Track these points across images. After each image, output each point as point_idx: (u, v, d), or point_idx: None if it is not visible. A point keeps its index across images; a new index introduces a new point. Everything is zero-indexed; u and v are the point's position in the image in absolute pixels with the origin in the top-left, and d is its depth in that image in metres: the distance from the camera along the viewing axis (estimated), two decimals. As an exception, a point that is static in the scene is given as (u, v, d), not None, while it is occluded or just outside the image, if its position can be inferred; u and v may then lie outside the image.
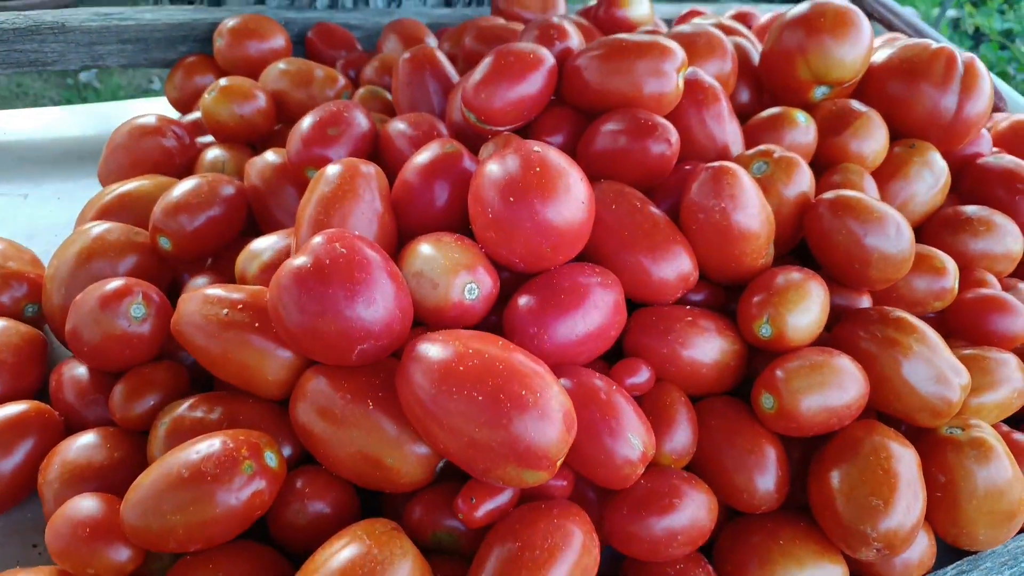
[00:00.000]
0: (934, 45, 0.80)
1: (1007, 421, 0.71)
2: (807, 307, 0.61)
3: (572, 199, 0.57)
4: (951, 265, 0.69)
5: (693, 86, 0.71)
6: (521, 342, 0.57)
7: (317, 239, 0.53)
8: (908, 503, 0.55)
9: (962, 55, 0.79)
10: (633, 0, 1.01)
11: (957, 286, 0.70)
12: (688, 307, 0.64)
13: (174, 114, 1.05)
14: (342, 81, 0.90)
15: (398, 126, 0.72)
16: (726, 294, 0.68)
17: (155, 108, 1.06)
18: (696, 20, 0.98)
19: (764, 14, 1.21)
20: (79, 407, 0.62)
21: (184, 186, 0.70)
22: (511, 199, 0.56)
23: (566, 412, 0.49)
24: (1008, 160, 0.83)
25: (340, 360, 0.53)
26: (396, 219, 0.64)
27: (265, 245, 0.65)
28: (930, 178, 0.78)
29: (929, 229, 0.79)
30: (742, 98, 0.86)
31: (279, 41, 1.00)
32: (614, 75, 0.68)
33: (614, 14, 1.00)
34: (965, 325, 0.72)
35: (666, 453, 0.58)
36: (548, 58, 0.70)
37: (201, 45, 1.04)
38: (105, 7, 1.01)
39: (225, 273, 0.69)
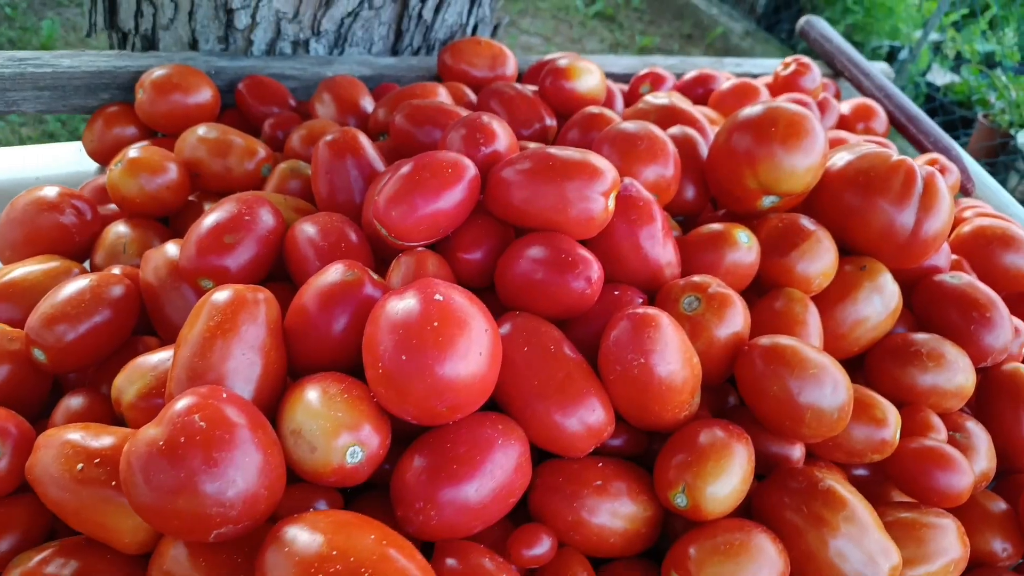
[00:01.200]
0: (894, 157, 0.75)
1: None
2: (728, 476, 0.56)
3: (474, 354, 0.52)
4: (892, 416, 0.65)
5: (627, 203, 0.66)
6: (406, 516, 0.51)
7: (178, 406, 0.47)
8: None
9: (922, 170, 0.75)
10: (582, 72, 0.95)
11: (899, 435, 0.65)
12: (601, 463, 0.58)
13: (91, 164, 0.98)
14: (262, 153, 0.83)
15: (307, 230, 0.66)
16: (648, 438, 0.63)
17: (66, 154, 0.99)
18: (648, 99, 0.92)
19: (726, 79, 1.16)
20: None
21: (66, 291, 0.63)
22: (403, 357, 0.50)
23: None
24: (965, 281, 0.79)
25: (196, 539, 0.47)
26: (287, 349, 0.58)
27: (147, 367, 0.59)
28: (879, 304, 0.73)
29: (876, 358, 0.75)
30: (687, 195, 0.81)
31: (205, 95, 0.93)
32: (540, 194, 0.62)
33: (562, 86, 0.94)
34: (906, 477, 0.67)
35: (564, 638, 0.53)
36: (469, 170, 0.64)
37: (124, 93, 0.97)
38: (22, 52, 0.93)
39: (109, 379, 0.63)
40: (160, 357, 0.60)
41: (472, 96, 0.99)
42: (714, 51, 4.04)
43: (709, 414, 0.65)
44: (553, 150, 0.64)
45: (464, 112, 0.81)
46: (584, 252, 0.61)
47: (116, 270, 0.70)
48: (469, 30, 1.24)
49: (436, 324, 0.51)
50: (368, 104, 0.96)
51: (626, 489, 0.57)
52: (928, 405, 0.73)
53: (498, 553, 0.54)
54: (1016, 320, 0.84)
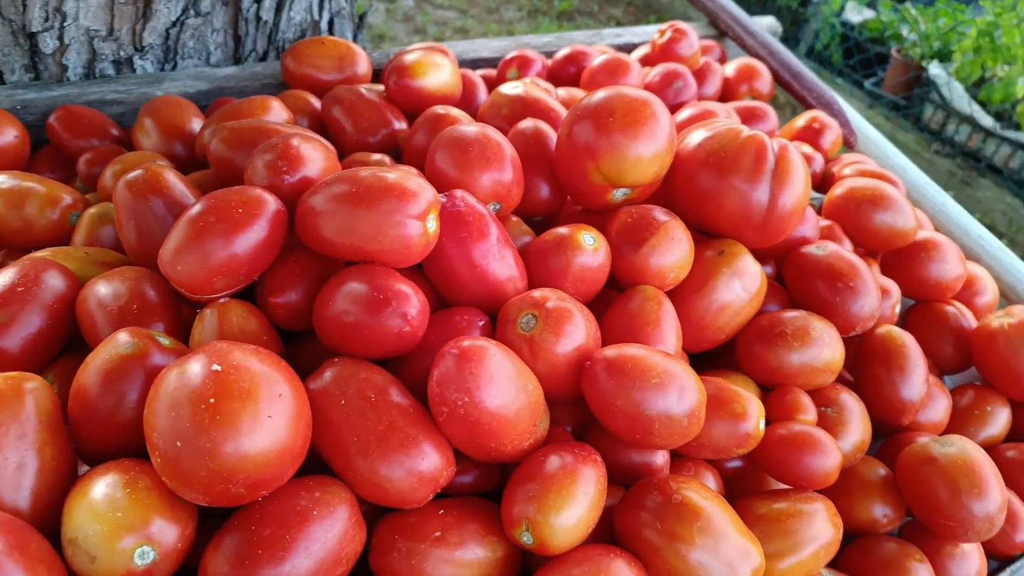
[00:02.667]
0: (745, 132, 0.71)
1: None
2: (574, 504, 0.52)
3: (264, 427, 0.46)
4: (753, 408, 0.62)
5: (455, 219, 0.61)
6: (212, 613, 0.46)
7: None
8: None
9: (774, 143, 0.71)
10: (430, 67, 0.89)
11: (763, 426, 0.63)
12: (442, 509, 0.54)
13: None
14: (67, 199, 0.75)
15: (98, 292, 0.59)
16: (500, 470, 0.59)
17: None
18: (502, 88, 0.86)
19: (600, 54, 1.10)
20: None
21: None
22: (178, 443, 0.45)
23: None
24: (830, 252, 0.76)
25: None
26: (71, 439, 0.52)
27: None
28: (739, 288, 0.70)
29: (744, 341, 0.72)
30: (541, 194, 0.76)
31: (8, 136, 0.83)
32: (350, 222, 0.56)
33: (408, 85, 0.88)
34: (774, 464, 0.65)
35: None
36: (269, 205, 0.57)
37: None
38: None
39: None
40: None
41: (316, 104, 0.92)
42: (635, 8, 3.98)
43: (566, 432, 0.61)
44: (363, 172, 0.59)
45: (290, 129, 0.74)
46: (401, 285, 0.55)
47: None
48: (324, 26, 1.16)
49: (212, 400, 0.45)
50: (197, 125, 0.88)
51: (472, 533, 0.53)
52: (800, 384, 0.71)
53: (338, 626, 0.50)
54: (886, 280, 0.83)
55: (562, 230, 0.66)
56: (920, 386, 0.74)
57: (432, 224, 0.58)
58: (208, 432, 0.44)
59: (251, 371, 0.47)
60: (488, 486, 0.58)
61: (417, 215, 0.57)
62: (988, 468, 0.64)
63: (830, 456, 0.63)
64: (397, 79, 0.88)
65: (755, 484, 0.69)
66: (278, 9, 1.06)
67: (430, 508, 0.54)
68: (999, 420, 0.79)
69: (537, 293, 0.60)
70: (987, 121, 3.08)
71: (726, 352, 0.75)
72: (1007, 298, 0.97)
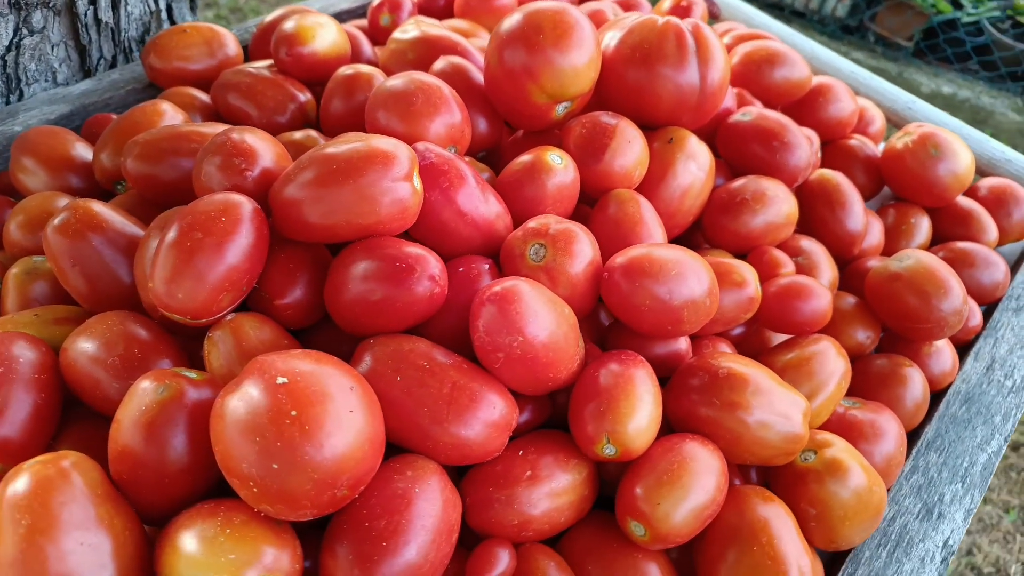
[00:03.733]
0: (660, 21, 0.73)
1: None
2: (642, 407, 0.54)
3: (348, 421, 0.45)
4: (749, 275, 0.66)
5: (431, 171, 0.59)
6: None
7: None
8: (801, 571, 0.53)
9: (687, 24, 0.73)
10: (315, 29, 0.84)
11: (759, 289, 0.67)
12: (520, 450, 0.55)
13: None
14: (-22, 268, 0.67)
15: (85, 349, 0.54)
16: (548, 402, 0.60)
17: None
18: (396, 35, 0.83)
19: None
20: None
21: None
22: (274, 465, 0.43)
23: None
24: (756, 115, 0.81)
25: None
26: (130, 504, 0.48)
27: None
28: (695, 168, 0.73)
29: (709, 217, 0.76)
30: (480, 129, 0.75)
31: None
32: (338, 205, 0.54)
33: (300, 54, 0.83)
34: (774, 319, 0.70)
35: (557, 636, 0.51)
36: (246, 209, 0.54)
37: None
38: None
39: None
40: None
41: (203, 96, 0.85)
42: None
43: (596, 348, 0.63)
44: (332, 148, 0.56)
45: (204, 127, 0.68)
46: (416, 249, 0.54)
47: None
48: (164, 16, 1.05)
49: (294, 413, 0.43)
50: (84, 151, 0.79)
51: (554, 463, 0.54)
52: (768, 242, 0.76)
53: (458, 587, 0.51)
54: (805, 129, 0.89)
55: (525, 157, 0.66)
56: (861, 216, 0.81)
57: (418, 182, 0.57)
58: (303, 445, 0.42)
59: (314, 374, 0.45)
60: (543, 418, 0.60)
61: (404, 176, 0.55)
62: (945, 270, 0.72)
63: (822, 297, 0.69)
64: (288, 49, 0.83)
65: (758, 345, 0.74)
66: (114, 7, 0.96)
67: (508, 455, 0.54)
68: (923, 228, 0.89)
69: (534, 223, 0.60)
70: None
71: (686, 235, 0.80)
72: (891, 121, 1.07)
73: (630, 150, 0.69)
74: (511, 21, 0.69)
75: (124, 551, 0.45)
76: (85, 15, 0.91)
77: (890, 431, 0.67)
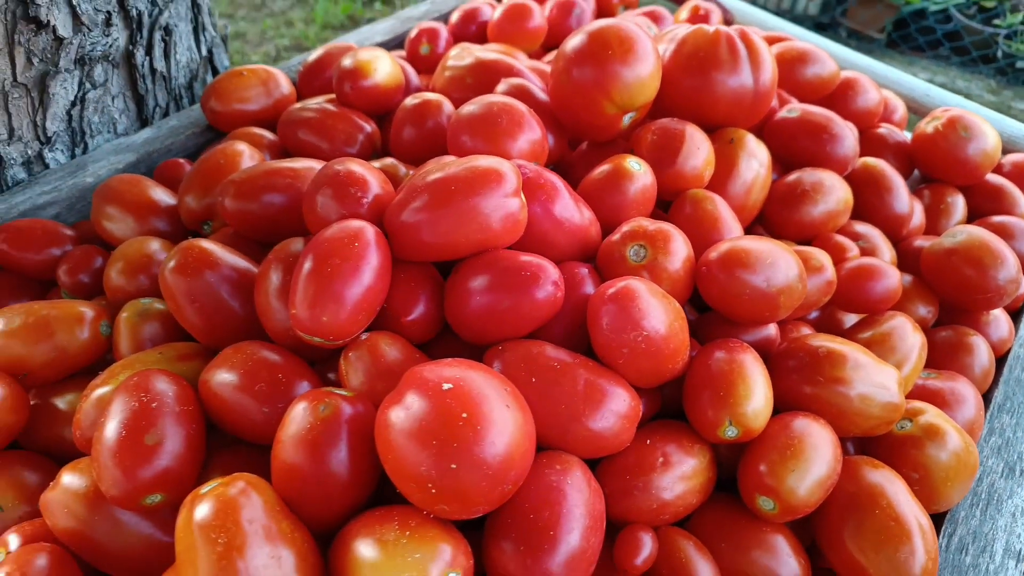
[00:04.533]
0: (709, 29, 0.77)
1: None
2: (756, 389, 0.58)
3: (513, 421, 0.48)
4: (826, 259, 0.70)
5: (531, 185, 0.63)
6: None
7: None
8: (925, 536, 0.56)
9: (734, 31, 0.78)
10: (374, 63, 0.88)
11: (835, 273, 0.71)
12: (647, 439, 0.58)
13: None
14: (89, 313, 0.68)
15: (223, 379, 0.56)
16: (658, 394, 0.63)
17: None
18: (452, 63, 0.87)
19: (490, 7, 1.12)
20: None
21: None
22: (453, 465, 0.45)
23: None
24: (802, 110, 0.85)
25: None
26: (296, 516, 0.50)
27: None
28: (756, 164, 0.77)
29: (771, 211, 0.80)
30: (548, 147, 0.79)
31: (-37, 275, 0.74)
32: (456, 224, 0.57)
33: (363, 87, 0.87)
34: (848, 299, 0.74)
35: (705, 611, 0.54)
36: (371, 234, 0.57)
37: None
38: None
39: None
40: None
41: (268, 135, 0.88)
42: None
43: (694, 340, 0.66)
44: (439, 173, 0.59)
45: (294, 163, 0.72)
46: (534, 258, 0.57)
47: (13, 539, 0.56)
48: (205, 62, 1.08)
49: (465, 415, 0.46)
50: (164, 196, 0.81)
51: (680, 449, 0.58)
52: (829, 229, 0.80)
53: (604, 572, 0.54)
54: (844, 122, 0.94)
55: (605, 166, 0.70)
56: (907, 198, 0.86)
57: (522, 196, 0.60)
58: (477, 444, 0.45)
59: (473, 378, 0.48)
60: (655, 410, 0.63)
61: (513, 192, 0.58)
62: (998, 242, 0.76)
63: (891, 276, 0.73)
64: (352, 83, 0.86)
65: (833, 327, 0.78)
66: (166, 56, 0.99)
67: (637, 445, 0.57)
68: (959, 206, 0.93)
69: (628, 226, 0.64)
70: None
71: (749, 229, 0.84)
72: (911, 109, 1.12)
73: (699, 152, 0.73)
74: (577, 40, 0.73)
75: (306, 563, 0.47)
76: (142, 65, 0.93)
77: (968, 396, 0.71)
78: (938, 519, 0.66)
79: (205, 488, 0.48)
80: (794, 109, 0.86)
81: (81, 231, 0.84)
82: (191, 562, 0.45)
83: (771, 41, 1.06)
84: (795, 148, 0.85)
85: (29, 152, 0.87)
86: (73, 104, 0.88)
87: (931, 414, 0.64)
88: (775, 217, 0.80)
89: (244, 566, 0.44)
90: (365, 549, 0.47)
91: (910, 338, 0.70)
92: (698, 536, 0.58)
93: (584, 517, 0.50)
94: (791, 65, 0.95)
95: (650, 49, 0.73)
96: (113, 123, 0.94)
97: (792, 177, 0.80)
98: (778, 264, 0.62)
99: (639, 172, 0.69)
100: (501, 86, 0.80)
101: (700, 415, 0.58)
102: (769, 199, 0.80)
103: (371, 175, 0.62)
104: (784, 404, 0.63)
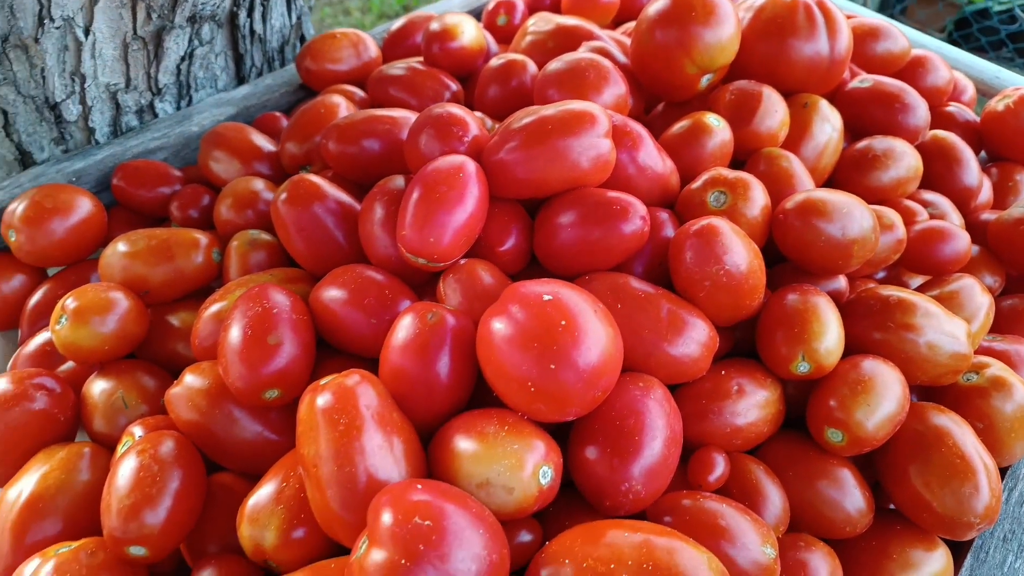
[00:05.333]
0: (784, -2, 0.80)
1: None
2: (830, 328, 0.61)
3: (605, 333, 0.52)
4: (897, 218, 0.73)
5: (618, 133, 0.67)
6: (616, 504, 0.52)
7: (387, 518, 0.44)
8: (990, 476, 0.58)
9: (813, 0, 0.81)
10: (461, 27, 0.93)
11: (905, 232, 0.74)
12: (723, 370, 0.62)
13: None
14: (203, 239, 0.75)
15: (333, 295, 0.62)
16: (731, 332, 0.67)
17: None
18: (533, 28, 0.91)
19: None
20: None
21: (124, 477, 0.55)
22: (552, 366, 0.50)
23: (723, 573, 0.46)
24: (873, 81, 0.88)
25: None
26: (402, 412, 0.55)
27: (265, 506, 0.54)
28: (830, 128, 0.80)
29: (841, 174, 0.83)
30: (630, 101, 0.83)
31: (85, 207, 0.81)
32: (549, 162, 0.62)
33: (450, 48, 0.92)
34: (916, 260, 0.76)
35: (774, 527, 0.57)
36: (472, 167, 0.62)
37: (-20, 243, 0.83)
38: None
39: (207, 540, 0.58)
40: (268, 490, 0.55)
41: (358, 92, 0.94)
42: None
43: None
44: (534, 115, 0.63)
45: (392, 112, 0.77)
46: (621, 195, 0.61)
47: (138, 429, 0.62)
48: (294, 28, 1.15)
49: (564, 322, 0.50)
50: (264, 143, 0.88)
51: (753, 381, 0.61)
52: (897, 195, 0.82)
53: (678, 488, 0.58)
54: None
55: (684, 122, 0.74)
56: (977, 171, 0.87)
57: (611, 140, 0.64)
58: (574, 348, 0.50)
59: (569, 293, 0.53)
60: (728, 348, 0.66)
61: (605, 133, 0.63)
62: (1065, 210, 0.78)
63: (961, 238, 0.75)
64: (440, 45, 0.91)
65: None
66: (264, 19, 1.05)
67: (713, 374, 0.61)
68: (1027, 183, 0.95)
69: (710, 174, 0.68)
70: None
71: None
72: (980, 91, 1.13)
73: (775, 113, 0.76)
74: (660, 3, 0.77)
75: (411, 453, 0.52)
76: (244, 26, 1.00)
77: (1040, 357, 0.73)
78: (1001, 474, 0.68)
79: (324, 380, 0.54)
80: (866, 80, 0.88)
81: (187, 175, 0.90)
82: (313, 440, 0.50)
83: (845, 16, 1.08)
84: (867, 118, 0.87)
85: (142, 101, 0.94)
86: (183, 59, 0.95)
87: (997, 367, 0.66)
88: (845, 181, 0.82)
89: (361, 445, 0.50)
90: (465, 443, 0.51)
91: (978, 298, 0.72)
92: (767, 465, 0.61)
93: (665, 429, 0.54)
94: (862, 39, 0.97)
95: (731, 12, 0.76)
96: (215, 79, 1.01)
97: (863, 143, 0.83)
98: (853, 214, 0.65)
99: (718, 127, 0.73)
100: (582, 48, 0.84)
101: (774, 351, 0.61)
102: (839, 164, 0.83)
103: (470, 117, 0.67)
104: (854, 350, 0.65)
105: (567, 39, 0.90)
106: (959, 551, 0.63)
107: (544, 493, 0.51)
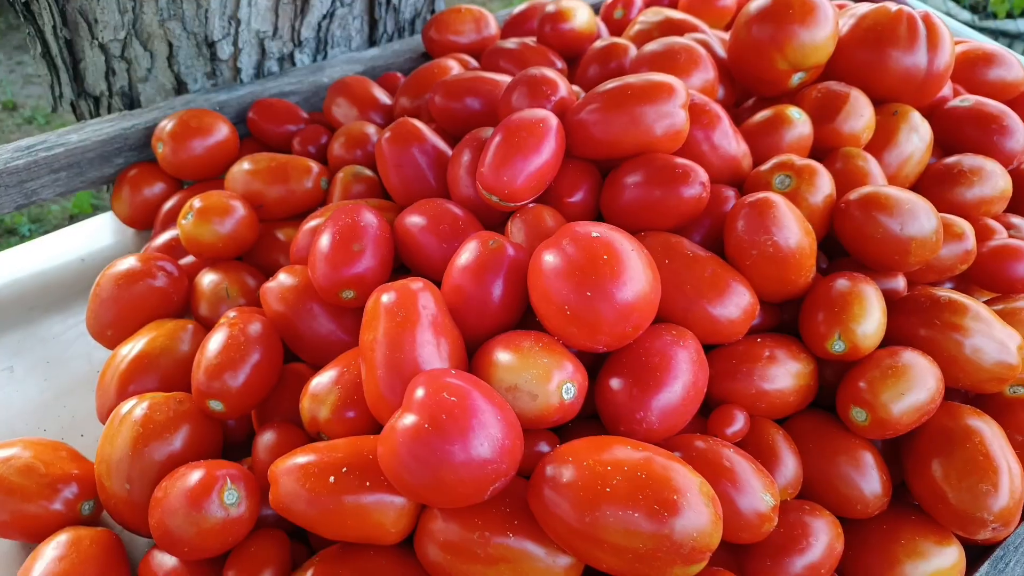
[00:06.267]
0: (892, 7, 0.82)
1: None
2: (871, 313, 0.63)
3: (644, 275, 0.57)
4: (968, 228, 0.73)
5: (694, 110, 0.71)
6: (630, 430, 0.57)
7: (422, 392, 0.51)
8: (1012, 479, 0.59)
9: (918, 13, 0.82)
10: (575, 10, 0.99)
11: (975, 244, 0.74)
12: (759, 338, 0.65)
13: (124, 230, 0.98)
14: (315, 168, 0.85)
15: (414, 221, 0.70)
16: (778, 311, 0.70)
17: (96, 228, 0.99)
18: (643, 19, 0.97)
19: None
20: (186, 604, 0.59)
21: (215, 342, 0.65)
22: (588, 293, 0.55)
23: (711, 498, 0.50)
24: (974, 101, 0.87)
25: (473, 501, 0.52)
26: (454, 321, 0.62)
27: (327, 385, 0.62)
28: (917, 139, 0.81)
29: (925, 186, 0.83)
30: (718, 95, 0.86)
31: (223, 132, 0.93)
32: (625, 125, 0.67)
33: (561, 29, 0.98)
34: (986, 276, 0.76)
35: (783, 489, 0.60)
36: (553, 121, 0.68)
37: (137, 153, 0.96)
38: (27, 140, 0.91)
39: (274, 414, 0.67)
40: (331, 374, 0.63)
41: (473, 62, 1.02)
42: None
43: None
44: (618, 82, 0.69)
45: (494, 75, 0.84)
46: (689, 163, 0.66)
47: (233, 313, 0.72)
48: (428, 4, 1.25)
49: (606, 257, 0.56)
50: (382, 96, 0.98)
51: (788, 352, 0.64)
52: (980, 214, 0.82)
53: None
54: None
55: (766, 112, 0.77)
56: (1075, 203, 0.85)
57: (686, 112, 0.69)
58: (611, 280, 0.55)
59: (617, 233, 0.58)
60: (772, 324, 0.69)
61: (681, 105, 0.67)
62: None
63: (1035, 261, 0.74)
64: (552, 25, 0.98)
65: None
66: (399, -8, 1.16)
67: (748, 341, 0.64)
68: None
69: (780, 158, 0.71)
70: (964, 16, 3.22)
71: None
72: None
73: (860, 115, 0.78)
74: (761, 1, 0.80)
75: (455, 354, 0.59)
76: (381, -5, 1.11)
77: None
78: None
79: (389, 284, 0.61)
80: (968, 99, 0.88)
81: (312, 118, 1.01)
82: (373, 328, 0.58)
83: (961, 42, 1.07)
84: (963, 137, 0.87)
85: (284, 50, 1.06)
86: (324, 17, 1.06)
87: (1048, 384, 0.66)
88: (927, 193, 0.82)
89: (412, 337, 0.57)
90: (503, 353, 0.57)
91: (1047, 318, 0.71)
92: (791, 435, 0.64)
93: (689, 375, 0.58)
94: (974, 64, 0.96)
95: (829, 16, 0.79)
96: (350, 39, 1.13)
97: (952, 159, 0.83)
98: (916, 213, 0.66)
99: (798, 120, 0.75)
100: (684, 38, 0.89)
101: (812, 327, 0.64)
102: (923, 177, 0.83)
103: (560, 80, 0.73)
104: (898, 342, 0.67)
105: (672, 30, 0.94)
106: (978, 557, 0.63)
107: (565, 407, 0.56)
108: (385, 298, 0.59)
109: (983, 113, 0.86)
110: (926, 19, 0.81)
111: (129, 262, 0.77)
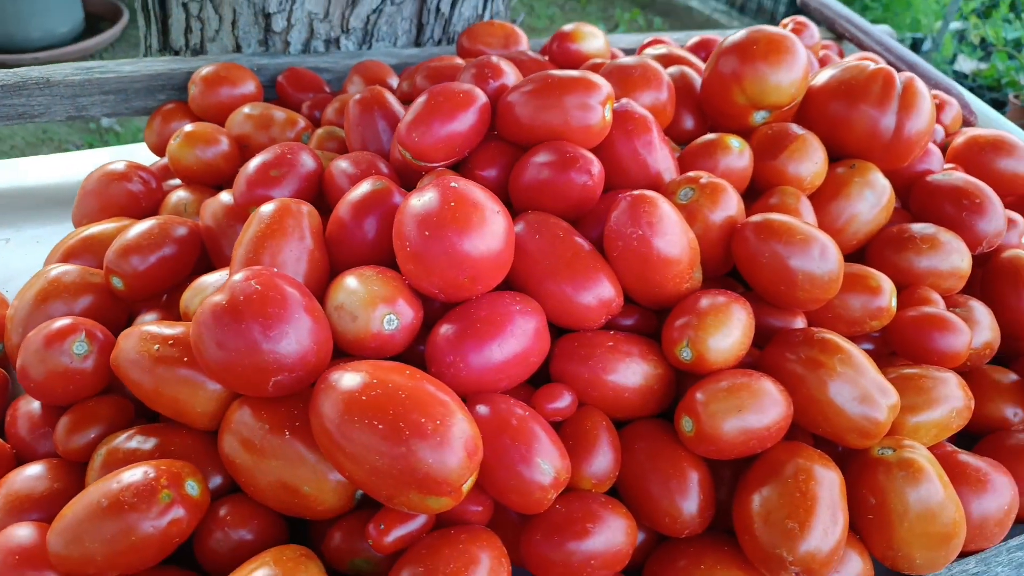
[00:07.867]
0: (872, 66, 0.81)
1: (963, 441, 0.71)
2: (728, 330, 0.62)
3: (488, 231, 0.59)
4: (886, 284, 0.69)
5: (623, 117, 0.73)
6: (439, 371, 0.58)
7: (237, 277, 0.55)
8: (826, 526, 0.55)
9: (901, 76, 0.80)
10: (586, 35, 1.04)
11: (895, 304, 0.70)
12: (612, 332, 0.65)
13: (153, 159, 1.10)
14: (302, 123, 0.94)
15: (340, 165, 0.75)
16: (657, 319, 0.69)
17: (131, 153, 1.11)
18: (647, 51, 1.00)
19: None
20: (30, 440, 0.65)
21: (137, 228, 0.73)
22: (427, 233, 0.58)
23: (468, 439, 0.51)
24: (957, 177, 0.83)
25: (257, 392, 0.55)
26: (329, 254, 0.66)
27: (209, 281, 0.68)
28: (872, 197, 0.78)
29: (874, 248, 0.80)
30: (686, 125, 0.87)
31: (250, 87, 1.04)
32: (543, 110, 0.70)
33: (568, 48, 1.03)
34: (907, 344, 0.71)
35: (587, 477, 0.59)
36: (479, 96, 0.72)
37: (179, 93, 1.09)
38: (89, 62, 1.06)
39: (176, 309, 0.73)
40: (220, 275, 0.68)
41: (487, 69, 1.09)
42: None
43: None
44: (553, 72, 0.72)
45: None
46: (584, 151, 0.68)
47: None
48: (481, 20, 1.34)
49: (453, 204, 0.58)
50: (395, 81, 1.06)
51: (637, 352, 0.63)
52: (928, 286, 0.77)
53: (525, 417, 0.61)
54: (1012, 213, 0.88)
55: (709, 136, 0.78)
56: (1050, 303, 0.78)
57: (608, 113, 0.71)
58: (450, 226, 0.57)
59: (477, 191, 0.61)
60: (648, 328, 0.68)
61: (599, 101, 0.70)
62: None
63: (960, 335, 0.69)
64: (560, 43, 1.03)
65: (883, 366, 0.75)
66: (453, 5, 1.25)
67: (600, 331, 0.64)
68: None
69: (691, 174, 0.71)
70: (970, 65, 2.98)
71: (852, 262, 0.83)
72: None
73: (808, 159, 0.76)
74: (735, 36, 0.82)
75: (315, 271, 0.63)
76: (431, 3, 1.21)
77: (1002, 489, 0.65)
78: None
79: (280, 199, 0.66)
80: (952, 175, 0.84)
81: (335, 95, 1.11)
82: (244, 232, 0.64)
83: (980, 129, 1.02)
84: (937, 210, 0.83)
85: (332, 34, 1.17)
86: (373, 11, 1.17)
87: (920, 453, 0.61)
88: (874, 256, 0.79)
89: (269, 245, 0.62)
90: (346, 277, 0.61)
91: (948, 389, 0.66)
92: (622, 435, 0.62)
93: (519, 339, 0.59)
94: (982, 149, 0.92)
95: (798, 60, 0.78)
96: (395, 37, 1.23)
97: (909, 225, 0.79)
98: (809, 247, 0.64)
99: (736, 149, 0.75)
100: (670, 68, 0.91)
101: (667, 332, 0.63)
102: (875, 238, 0.80)
103: (510, 69, 0.78)
104: (765, 371, 0.64)
105: (667, 62, 0.97)
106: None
107: (383, 337, 0.58)
108: (264, 208, 0.65)
109: (958, 189, 0.82)
110: (908, 83, 0.79)
111: (115, 165, 0.88)
